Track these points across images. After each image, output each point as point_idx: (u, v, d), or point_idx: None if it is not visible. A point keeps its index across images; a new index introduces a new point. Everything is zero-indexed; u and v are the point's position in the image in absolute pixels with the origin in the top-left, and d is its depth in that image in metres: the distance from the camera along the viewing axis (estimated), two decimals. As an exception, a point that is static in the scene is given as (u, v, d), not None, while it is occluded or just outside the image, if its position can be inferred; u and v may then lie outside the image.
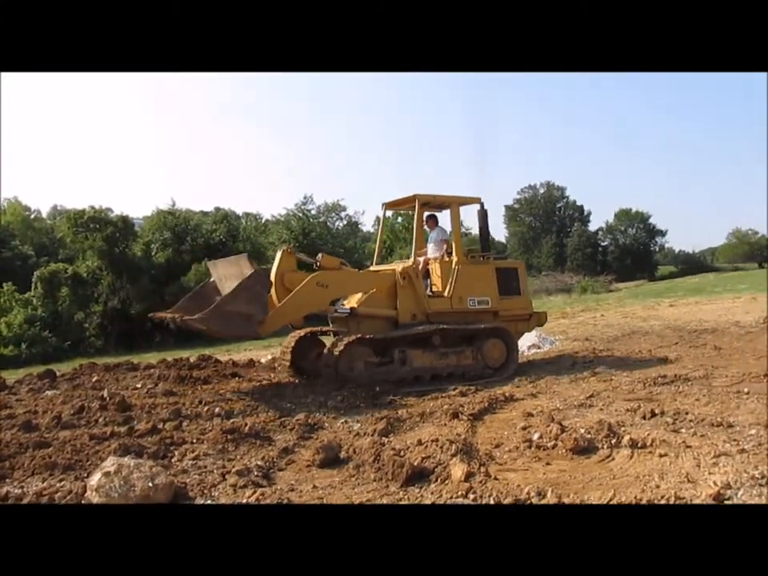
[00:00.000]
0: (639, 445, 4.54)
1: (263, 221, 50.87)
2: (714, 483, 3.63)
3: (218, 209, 40.28)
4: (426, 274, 8.97)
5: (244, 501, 3.93)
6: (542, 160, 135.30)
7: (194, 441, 5.34)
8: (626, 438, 4.65)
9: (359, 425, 5.86)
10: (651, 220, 73.84)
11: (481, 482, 3.92)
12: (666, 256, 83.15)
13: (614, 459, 4.37)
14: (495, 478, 4.02)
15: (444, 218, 9.54)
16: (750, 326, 11.88)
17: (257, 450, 5.12)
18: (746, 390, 6.17)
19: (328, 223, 54.81)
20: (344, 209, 59.38)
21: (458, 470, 4.06)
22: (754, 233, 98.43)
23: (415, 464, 4.20)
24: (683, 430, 4.93)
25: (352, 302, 8.36)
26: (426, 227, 9.64)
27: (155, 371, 8.87)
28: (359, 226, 66.26)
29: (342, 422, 6.04)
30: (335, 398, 6.98)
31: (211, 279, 8.61)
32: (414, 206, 9.02)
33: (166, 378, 8.25)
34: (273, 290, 7.74)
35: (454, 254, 8.83)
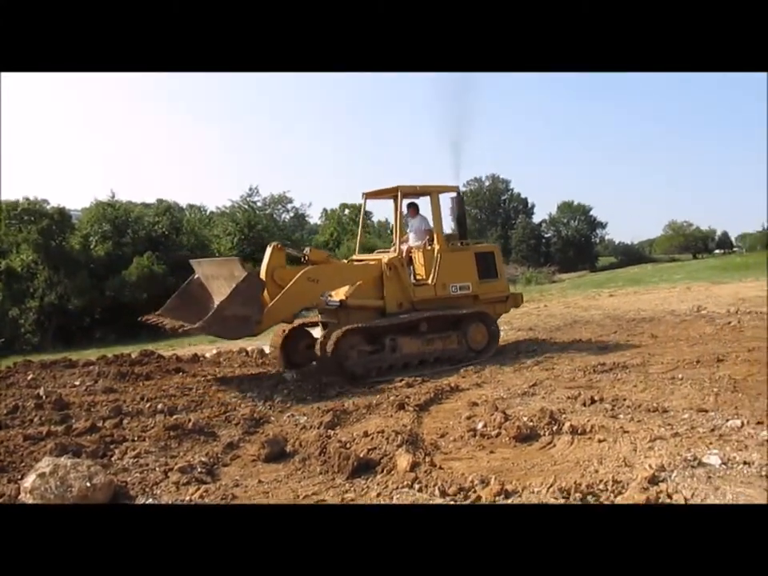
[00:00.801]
0: (579, 431, 4.67)
1: (207, 213, 49.96)
2: (650, 466, 3.77)
3: (160, 200, 39.30)
4: (409, 261, 9.12)
5: (187, 498, 3.87)
6: (488, 152, 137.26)
7: (136, 438, 5.22)
8: (567, 424, 4.77)
9: (305, 418, 5.83)
10: (592, 212, 76.02)
11: (426, 471, 3.96)
12: (607, 247, 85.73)
13: (555, 446, 4.48)
14: (440, 468, 4.07)
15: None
16: (684, 315, 12.35)
17: (201, 446, 5.04)
18: (680, 376, 6.41)
19: (274, 215, 54.26)
20: (290, 201, 58.87)
21: (403, 460, 4.09)
22: (689, 225, 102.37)
23: (361, 456, 4.22)
24: (621, 416, 5.09)
25: (340, 293, 8.44)
26: (407, 215, 9.75)
27: (94, 368, 8.59)
28: (306, 218, 65.97)
29: (289, 416, 6.00)
30: (281, 391, 6.93)
31: (195, 276, 8.61)
32: (395, 196, 9.19)
33: (105, 374, 8.00)
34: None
35: (435, 242, 8.99)
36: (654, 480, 3.57)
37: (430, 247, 9.03)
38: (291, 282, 7.81)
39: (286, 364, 8.80)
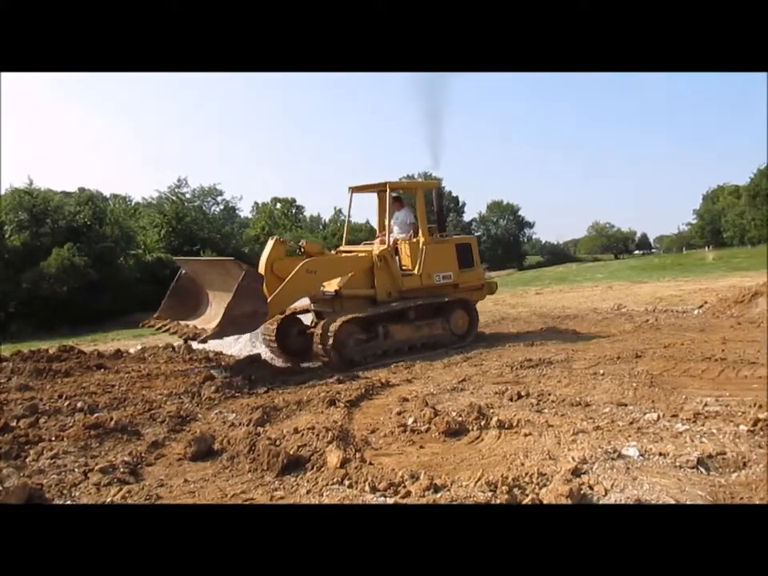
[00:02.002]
0: (506, 425, 4.78)
1: (133, 203, 48.30)
2: (573, 459, 3.90)
3: (82, 189, 37.75)
4: (395, 253, 9.50)
5: (108, 500, 3.72)
6: (420, 150, 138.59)
7: (53, 438, 4.97)
8: (495, 419, 4.87)
9: (234, 415, 5.72)
10: (520, 212, 78.00)
11: (356, 467, 3.95)
12: (534, 247, 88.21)
13: (483, 440, 4.57)
14: (370, 463, 4.07)
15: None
16: (605, 312, 12.86)
17: (123, 446, 4.85)
18: (601, 371, 6.66)
19: (204, 208, 52.93)
20: (220, 193, 57.58)
21: (333, 456, 4.07)
22: (611, 226, 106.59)
23: (291, 453, 4.17)
24: (546, 411, 5.24)
25: (333, 284, 8.85)
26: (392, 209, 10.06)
27: (8, 364, 8.13)
28: (236, 211, 64.69)
29: (217, 413, 5.87)
30: (209, 388, 6.77)
31: (183, 272, 8.67)
32: (381, 191, 9.72)
33: (20, 371, 7.59)
34: None
35: (420, 234, 9.51)
36: (576, 472, 3.69)
37: (414, 239, 9.54)
38: (292, 274, 8.20)
39: (282, 352, 9.26)
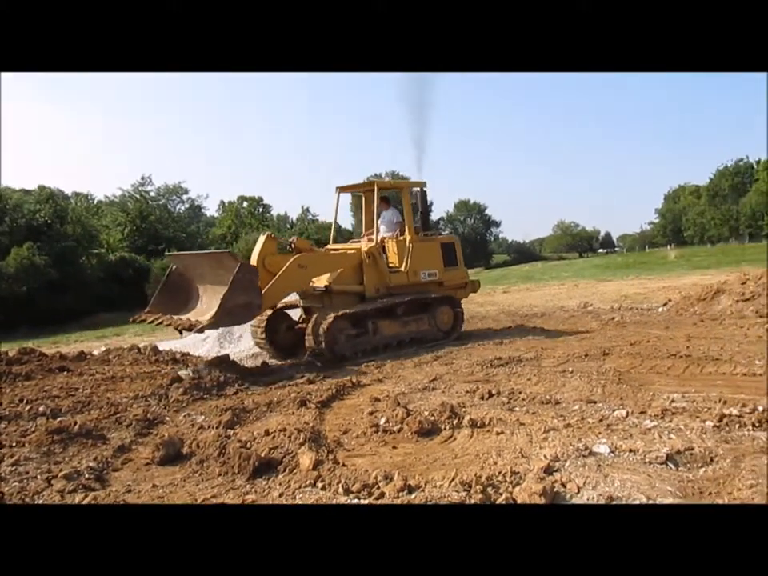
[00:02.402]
0: (478, 424, 4.79)
1: (95, 202, 47.40)
2: (545, 457, 3.92)
3: (42, 187, 36.83)
4: (382, 250, 9.72)
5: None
6: (388, 148, 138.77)
7: (14, 444, 4.81)
8: (467, 418, 4.87)
9: (203, 417, 5.62)
10: (487, 211, 78.72)
11: (329, 469, 3.90)
12: (501, 245, 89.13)
13: (455, 439, 4.56)
14: (343, 465, 4.03)
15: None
16: (572, 311, 13.02)
17: (88, 451, 4.72)
18: (570, 369, 6.73)
19: (168, 206, 52.24)
20: (186, 191, 56.90)
21: (306, 458, 4.02)
22: (576, 225, 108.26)
23: (262, 455, 4.11)
24: (517, 409, 5.27)
25: (322, 280, 9.01)
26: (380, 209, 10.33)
27: (-35, 368, 7.88)
28: (203, 210, 64.00)
29: (185, 416, 5.76)
30: (176, 389, 6.64)
31: (174, 267, 8.76)
32: (369, 190, 10.05)
33: (-22, 375, 7.36)
34: None
35: (407, 232, 9.79)
36: (549, 470, 3.71)
37: (401, 237, 9.81)
38: (283, 269, 8.36)
39: (271, 347, 9.42)
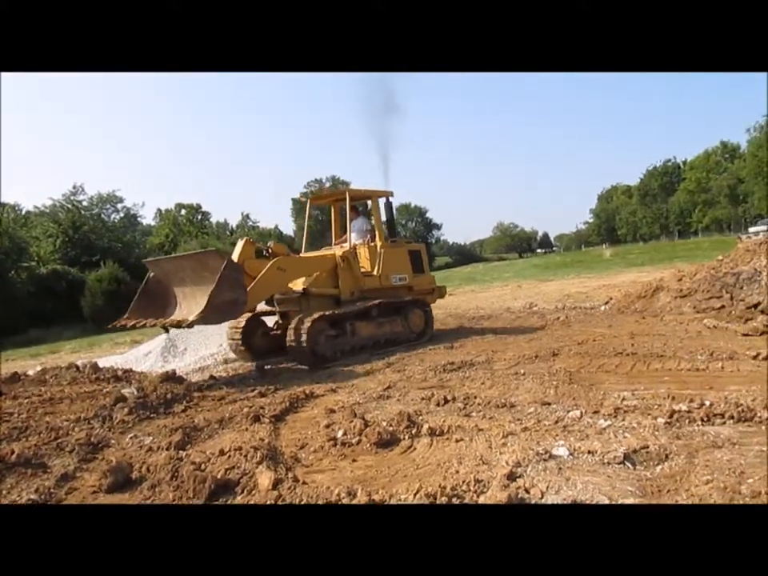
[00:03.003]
0: (437, 432, 4.74)
1: (23, 212, 45.45)
2: (506, 463, 3.90)
3: (-35, 199, 35.10)
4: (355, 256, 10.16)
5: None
6: (326, 154, 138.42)
7: (-57, 479, 4.48)
8: (425, 426, 4.83)
9: (151, 438, 5.37)
10: (428, 214, 79.55)
11: (290, 488, 3.78)
12: (442, 248, 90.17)
13: (415, 449, 4.50)
14: (304, 482, 3.91)
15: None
16: (518, 312, 13.22)
17: (28, 481, 4.40)
18: (522, 371, 6.79)
19: (102, 215, 50.67)
20: (121, 200, 55.32)
21: (264, 478, 3.88)
22: (515, 226, 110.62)
23: (218, 477, 3.94)
24: (474, 414, 5.26)
25: (298, 284, 9.38)
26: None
27: None
28: (138, 218, 62.31)
29: (132, 437, 5.48)
30: (121, 410, 6.35)
31: (151, 275, 8.89)
32: (339, 200, 10.68)
33: None
34: None
35: (377, 239, 10.31)
36: (512, 476, 3.69)
37: (372, 243, 10.31)
38: (263, 271, 8.63)
39: (247, 352, 9.69)
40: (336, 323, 9.15)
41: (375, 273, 10.08)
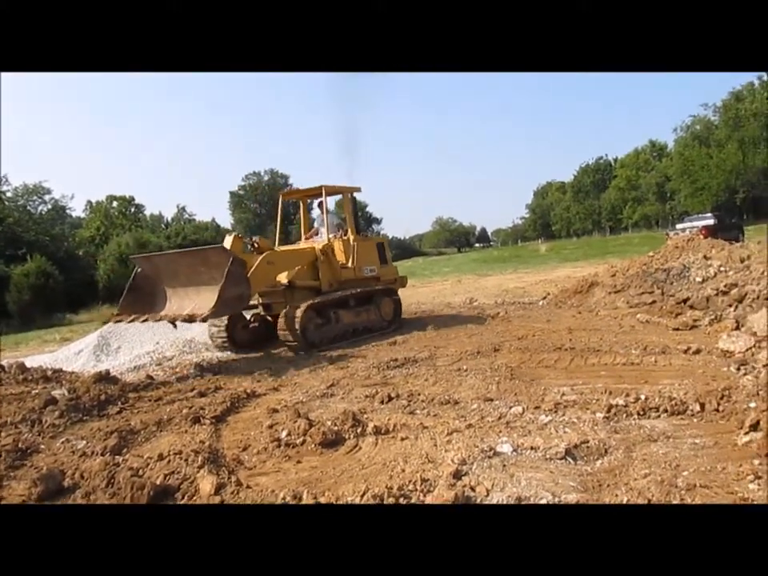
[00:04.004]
0: (382, 431, 4.73)
1: (-59, 205, 42.98)
2: (452, 461, 3.92)
3: None
4: None
5: None
6: (268, 146, 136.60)
7: None
8: (370, 425, 4.80)
9: (84, 443, 5.13)
10: (368, 209, 79.58)
11: (233, 492, 3.69)
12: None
13: (361, 448, 4.47)
14: (248, 486, 3.82)
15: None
16: (459, 307, 13.36)
17: (-50, 491, 4.17)
18: (464, 367, 6.84)
19: (29, 207, 48.58)
20: (48, 191, 53.15)
21: (206, 483, 3.77)
22: (453, 221, 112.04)
23: (158, 483, 3.80)
24: (418, 412, 5.26)
25: (283, 276, 9.63)
26: (321, 212, 11.17)
27: None
28: (67, 211, 59.94)
29: (63, 442, 5.23)
30: (51, 413, 6.06)
31: (139, 270, 9.02)
32: (315, 194, 11.05)
33: None
34: None
35: (350, 233, 10.85)
36: (457, 474, 3.71)
37: (345, 237, 10.82)
38: (255, 265, 8.90)
39: (230, 344, 9.99)
40: (321, 312, 9.62)
41: (350, 265, 10.60)
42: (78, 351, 10.73)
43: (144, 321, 8.42)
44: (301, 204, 12.01)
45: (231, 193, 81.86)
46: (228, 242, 9.12)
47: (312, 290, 9.96)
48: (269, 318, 10.29)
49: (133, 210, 68.11)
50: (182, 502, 3.68)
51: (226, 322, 9.87)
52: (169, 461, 4.29)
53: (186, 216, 75.19)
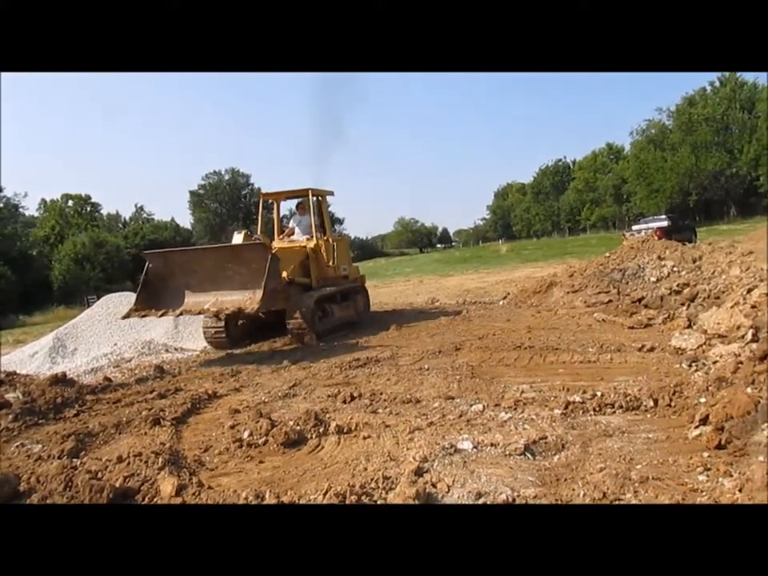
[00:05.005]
0: (345, 430, 4.75)
1: None
2: (414, 458, 3.96)
3: None
4: None
5: None
6: (226, 146, 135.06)
7: None
8: (333, 424, 4.82)
9: (40, 446, 5.01)
10: (330, 209, 79.51)
11: (194, 493, 3.66)
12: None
13: (323, 448, 4.49)
14: (209, 487, 3.80)
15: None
16: (421, 307, 13.46)
17: None
18: (426, 366, 6.92)
19: (-22, 206, 47.14)
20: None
21: (167, 484, 3.74)
22: (415, 222, 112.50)
23: (117, 485, 3.75)
24: (380, 411, 5.30)
25: (283, 274, 9.75)
26: (296, 213, 11.86)
27: None
28: (20, 209, 58.33)
29: (18, 446, 5.10)
30: (5, 417, 5.90)
31: (150, 265, 9.25)
32: (299, 195, 11.70)
33: None
34: None
35: (327, 233, 11.47)
36: (419, 472, 3.76)
37: (325, 237, 11.33)
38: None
39: (227, 342, 10.22)
40: (322, 305, 10.23)
41: (331, 263, 11.16)
42: (33, 353, 10.48)
43: (163, 314, 8.85)
44: (276, 204, 12.34)
45: (191, 192, 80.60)
46: (240, 239, 10.02)
47: (304, 287, 10.30)
48: (261, 315, 10.19)
49: (89, 208, 66.66)
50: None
51: (224, 318, 9.94)
52: (128, 463, 4.24)
53: (145, 215, 73.90)
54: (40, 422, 5.84)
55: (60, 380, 7.25)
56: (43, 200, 65.64)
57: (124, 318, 9.18)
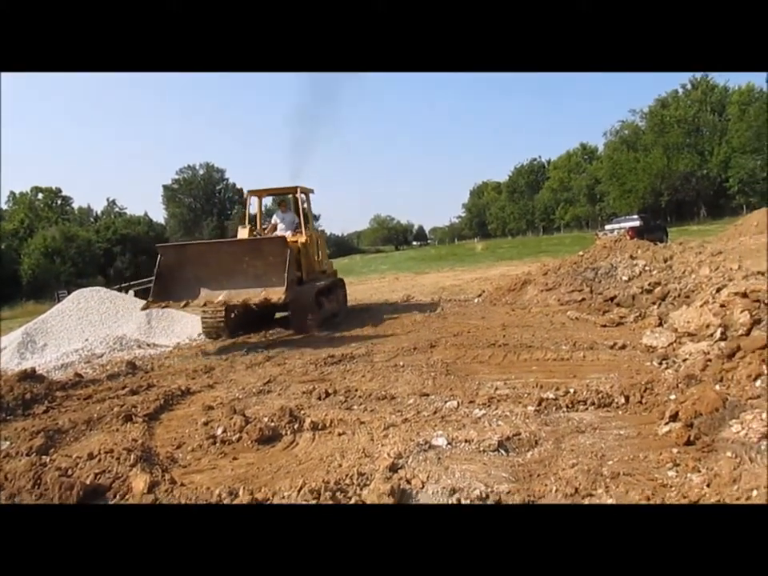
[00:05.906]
0: (319, 426, 4.75)
1: None
2: (388, 455, 3.98)
3: None
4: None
5: None
6: (203, 140, 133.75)
7: None
8: (308, 421, 4.81)
9: (8, 443, 4.92)
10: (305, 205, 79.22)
11: (166, 490, 3.63)
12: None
13: (298, 444, 4.48)
14: (182, 484, 3.77)
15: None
16: (397, 304, 13.48)
17: None
18: (401, 363, 6.93)
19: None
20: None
21: (139, 481, 3.70)
22: (391, 219, 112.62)
23: (88, 483, 3.70)
24: (355, 407, 5.31)
25: None
26: (279, 209, 12.19)
27: None
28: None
29: (-16, 443, 5.02)
30: (-29, 413, 5.79)
31: (162, 258, 9.43)
32: (286, 193, 12.39)
33: None
34: None
35: (311, 230, 11.77)
36: (393, 468, 3.77)
37: (308, 233, 11.53)
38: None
39: (226, 332, 10.46)
40: (318, 298, 10.54)
41: (317, 258, 11.70)
42: (1, 349, 10.26)
43: (185, 305, 9.14)
44: (257, 200, 12.53)
45: (165, 186, 79.64)
46: (244, 235, 10.68)
47: (297, 280, 10.41)
48: (254, 306, 10.04)
49: (59, 202, 65.54)
50: (114, 502, 3.60)
51: (223, 311, 10.27)
52: (99, 460, 4.18)
53: (117, 209, 72.81)
54: (8, 418, 5.74)
55: (29, 376, 7.11)
56: (12, 192, 64.35)
57: (143, 309, 9.59)
